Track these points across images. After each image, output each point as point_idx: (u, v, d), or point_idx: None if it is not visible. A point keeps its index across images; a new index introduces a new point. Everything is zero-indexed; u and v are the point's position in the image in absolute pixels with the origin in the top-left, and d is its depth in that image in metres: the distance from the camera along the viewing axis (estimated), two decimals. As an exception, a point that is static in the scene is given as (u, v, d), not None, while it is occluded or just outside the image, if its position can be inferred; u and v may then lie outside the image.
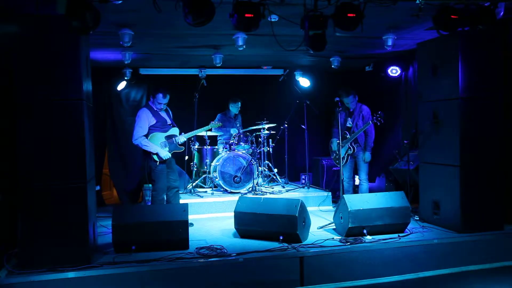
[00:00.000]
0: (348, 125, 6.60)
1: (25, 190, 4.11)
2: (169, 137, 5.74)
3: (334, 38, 4.78)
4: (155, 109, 5.69)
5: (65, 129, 4.17)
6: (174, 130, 5.83)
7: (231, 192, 7.05)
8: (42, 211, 4.12)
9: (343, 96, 6.56)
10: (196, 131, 6.38)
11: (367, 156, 6.49)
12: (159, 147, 5.60)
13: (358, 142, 6.50)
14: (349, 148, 6.48)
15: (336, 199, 6.79)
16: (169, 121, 5.82)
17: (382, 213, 5.05)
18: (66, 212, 4.15)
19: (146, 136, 5.59)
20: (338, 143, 6.18)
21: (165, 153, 5.60)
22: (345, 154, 6.51)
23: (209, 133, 7.45)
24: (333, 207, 6.68)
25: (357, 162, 6.58)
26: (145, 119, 5.59)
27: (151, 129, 5.63)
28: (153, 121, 5.63)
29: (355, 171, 6.74)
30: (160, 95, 5.62)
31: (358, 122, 6.52)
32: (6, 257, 4.19)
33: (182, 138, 5.82)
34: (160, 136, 5.67)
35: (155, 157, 5.57)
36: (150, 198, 6.65)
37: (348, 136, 6.48)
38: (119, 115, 7.84)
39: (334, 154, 6.75)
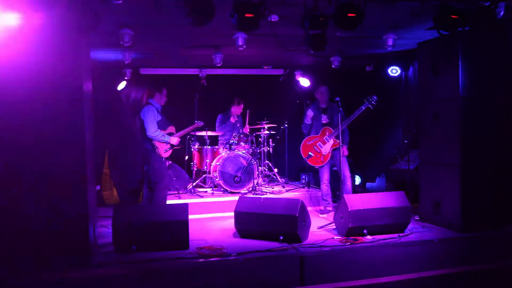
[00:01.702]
0: (324, 121, 6.43)
1: (25, 190, 4.10)
2: (168, 135, 5.96)
3: (334, 38, 4.78)
4: (157, 107, 5.92)
5: (65, 129, 4.17)
6: (172, 128, 6.10)
7: (231, 192, 7.05)
8: (42, 211, 4.11)
9: (319, 86, 6.56)
10: (185, 130, 6.52)
11: (345, 149, 6.40)
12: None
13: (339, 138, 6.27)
14: (337, 142, 6.25)
15: (336, 199, 6.79)
16: (165, 120, 6.06)
17: (382, 213, 5.05)
18: (66, 212, 4.15)
19: None
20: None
21: (175, 139, 5.93)
22: (330, 150, 6.33)
23: (210, 133, 7.45)
24: (333, 207, 6.67)
25: (337, 161, 6.22)
26: (153, 115, 5.83)
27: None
28: (158, 118, 5.87)
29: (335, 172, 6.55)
30: (165, 89, 5.99)
31: (334, 117, 6.26)
32: (6, 257, 4.19)
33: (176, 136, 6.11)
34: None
35: (159, 152, 5.76)
36: (144, 200, 6.70)
37: (332, 130, 6.29)
38: (119, 115, 7.84)
39: (313, 154, 6.44)
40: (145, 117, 5.80)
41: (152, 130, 5.76)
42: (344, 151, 6.41)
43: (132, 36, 5.20)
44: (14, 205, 4.15)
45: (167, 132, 5.97)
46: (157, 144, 5.81)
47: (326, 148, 6.35)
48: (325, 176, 6.55)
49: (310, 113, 6.61)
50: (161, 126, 5.92)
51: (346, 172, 6.37)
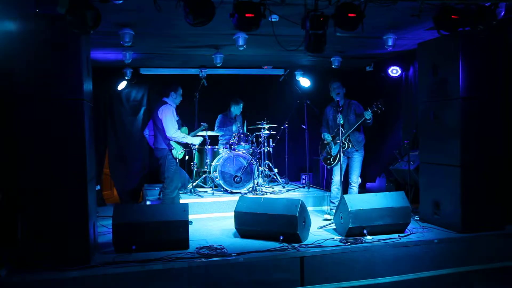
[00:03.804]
0: (339, 122, 5.97)
1: (25, 190, 4.11)
2: None
3: (334, 38, 4.77)
4: (173, 106, 5.86)
5: (65, 129, 4.17)
6: (184, 130, 6.02)
7: (231, 192, 7.05)
8: (42, 211, 4.12)
9: (331, 81, 6.20)
10: (192, 133, 6.59)
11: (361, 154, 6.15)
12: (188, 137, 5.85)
13: (351, 140, 6.03)
14: (343, 144, 5.97)
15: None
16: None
17: (382, 213, 5.05)
18: (66, 212, 4.15)
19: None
20: (334, 136, 6.10)
21: (198, 140, 5.97)
22: (338, 152, 6.04)
23: (210, 133, 7.45)
24: (333, 207, 6.67)
25: (350, 163, 6.09)
26: (173, 114, 5.75)
27: None
28: (176, 117, 5.81)
29: (346, 174, 6.18)
30: (181, 88, 5.92)
31: (350, 117, 6.03)
32: (6, 257, 4.19)
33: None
34: None
35: (174, 153, 5.72)
36: (152, 197, 6.66)
37: (343, 131, 5.94)
38: (119, 115, 7.86)
39: (325, 154, 6.30)
40: (164, 116, 5.66)
41: (172, 130, 5.63)
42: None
43: (132, 36, 5.19)
44: (14, 205, 4.16)
45: None
46: (174, 145, 5.71)
47: (336, 149, 6.10)
48: (336, 178, 6.15)
49: (328, 112, 6.33)
50: (178, 126, 5.85)
51: (354, 178, 6.10)
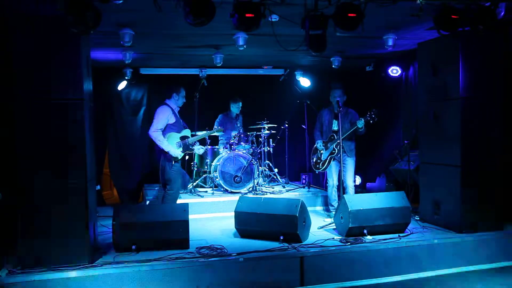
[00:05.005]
0: (334, 128, 6.07)
1: (25, 189, 4.11)
2: (182, 138, 5.81)
3: (334, 38, 4.77)
4: (173, 108, 5.78)
5: (66, 129, 4.17)
6: (187, 131, 5.92)
7: (231, 192, 7.05)
8: (42, 211, 4.12)
9: (333, 87, 6.18)
10: (201, 135, 6.55)
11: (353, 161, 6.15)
12: (172, 146, 5.62)
13: (343, 147, 5.96)
14: (334, 149, 6.00)
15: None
16: (182, 122, 5.93)
17: (382, 213, 5.05)
18: (66, 212, 4.16)
19: (163, 135, 5.64)
20: (326, 142, 6.13)
21: (177, 152, 5.62)
22: (327, 157, 6.08)
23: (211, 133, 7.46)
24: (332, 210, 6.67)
25: (344, 168, 5.97)
26: (165, 116, 5.66)
27: (169, 129, 5.70)
28: (172, 119, 5.71)
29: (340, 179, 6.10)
30: (183, 90, 5.83)
31: (345, 125, 6.01)
32: (6, 257, 4.19)
33: (192, 140, 5.93)
34: (176, 136, 5.74)
35: (173, 156, 5.62)
36: (152, 198, 6.64)
37: (335, 137, 5.97)
38: (119, 115, 7.85)
39: (316, 158, 6.31)
40: (156, 114, 5.66)
41: (153, 128, 5.56)
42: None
43: (132, 36, 5.19)
44: (14, 205, 4.16)
45: (181, 135, 5.78)
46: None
47: (326, 154, 6.13)
48: (331, 181, 6.22)
49: (325, 116, 6.31)
50: (177, 128, 5.76)
51: (349, 182, 6.07)
